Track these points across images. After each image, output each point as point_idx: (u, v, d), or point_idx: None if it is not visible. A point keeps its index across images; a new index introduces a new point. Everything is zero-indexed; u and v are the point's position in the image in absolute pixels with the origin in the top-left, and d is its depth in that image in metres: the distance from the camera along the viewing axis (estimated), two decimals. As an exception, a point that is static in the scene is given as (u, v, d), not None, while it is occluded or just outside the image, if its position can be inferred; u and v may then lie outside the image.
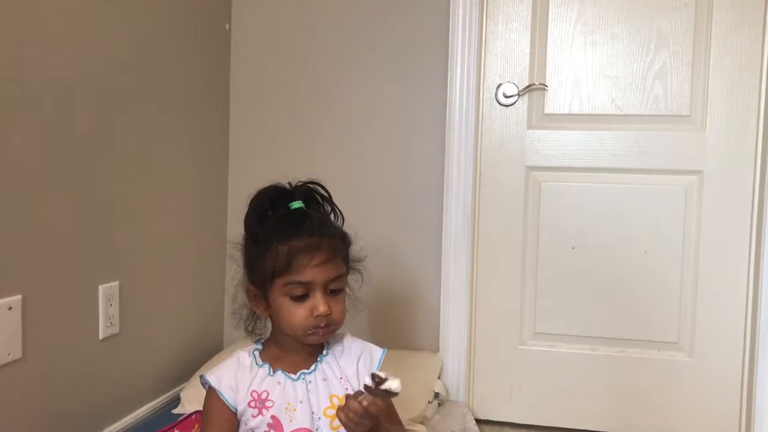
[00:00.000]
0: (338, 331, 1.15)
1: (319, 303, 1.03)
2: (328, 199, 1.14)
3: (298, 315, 1.04)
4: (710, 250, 1.82)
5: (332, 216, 1.14)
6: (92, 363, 1.48)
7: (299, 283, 1.03)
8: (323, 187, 1.14)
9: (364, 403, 0.95)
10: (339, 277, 1.06)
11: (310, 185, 1.13)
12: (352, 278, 1.13)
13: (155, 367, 1.73)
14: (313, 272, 1.03)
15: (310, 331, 1.04)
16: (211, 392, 1.07)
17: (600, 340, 1.89)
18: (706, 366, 1.83)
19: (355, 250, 1.13)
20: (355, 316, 1.16)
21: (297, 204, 1.09)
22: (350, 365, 1.11)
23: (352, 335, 1.17)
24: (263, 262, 1.05)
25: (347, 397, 1.00)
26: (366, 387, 0.95)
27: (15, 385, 1.26)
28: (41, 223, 1.32)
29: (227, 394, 1.05)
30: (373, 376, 0.94)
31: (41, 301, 1.32)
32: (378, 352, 1.15)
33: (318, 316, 1.03)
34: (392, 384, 0.94)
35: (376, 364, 1.14)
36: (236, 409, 1.05)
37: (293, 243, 1.03)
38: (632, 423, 1.87)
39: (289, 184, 1.12)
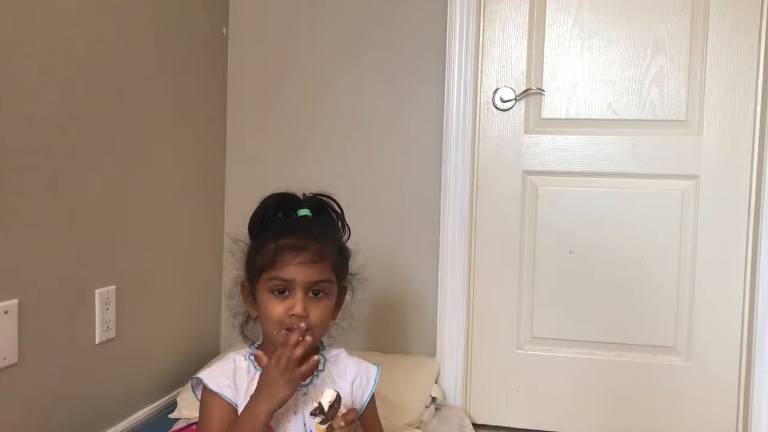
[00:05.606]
0: (336, 349, 1.15)
1: (296, 303, 1.03)
2: (338, 212, 1.16)
3: (275, 311, 1.04)
4: (707, 255, 1.82)
5: (342, 230, 1.15)
6: (88, 367, 1.48)
7: (281, 279, 1.04)
8: (335, 201, 1.15)
9: (342, 423, 0.97)
10: (322, 281, 1.06)
11: (321, 197, 1.14)
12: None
13: (152, 372, 1.72)
14: (294, 271, 1.04)
15: (284, 331, 1.03)
16: (209, 393, 1.06)
17: (597, 345, 1.89)
18: (703, 370, 1.83)
19: (353, 266, 1.15)
20: (348, 333, 1.17)
21: (304, 211, 1.11)
22: (345, 384, 1.12)
23: (348, 352, 1.18)
24: (255, 257, 1.08)
25: None
26: (325, 421, 0.98)
27: (10, 390, 1.26)
28: (38, 226, 1.32)
29: (227, 393, 1.05)
30: (313, 412, 0.98)
31: (37, 305, 1.31)
32: (373, 370, 1.16)
33: (293, 315, 1.03)
34: (325, 399, 0.97)
35: (371, 383, 1.15)
36: (236, 406, 1.05)
37: (282, 241, 1.05)
38: (629, 427, 1.87)
39: (304, 194, 1.14)
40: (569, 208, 1.89)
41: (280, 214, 1.12)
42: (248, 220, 1.13)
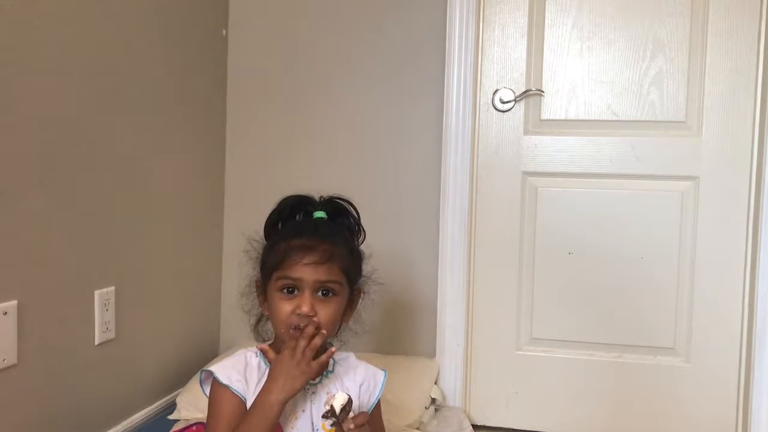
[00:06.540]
0: (345, 352, 1.16)
1: (304, 302, 1.05)
2: (353, 216, 1.17)
3: (283, 310, 1.06)
4: (706, 256, 1.82)
5: (357, 234, 1.17)
6: (88, 368, 1.47)
7: (289, 278, 1.06)
8: (351, 204, 1.17)
9: (351, 426, 0.99)
10: (330, 282, 1.07)
11: (337, 200, 1.16)
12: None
13: (151, 373, 1.72)
14: (302, 271, 1.05)
15: (291, 330, 1.04)
16: (219, 387, 1.06)
17: (597, 346, 1.89)
18: (703, 371, 1.83)
19: (367, 269, 1.16)
20: (361, 336, 1.18)
21: (319, 214, 1.13)
22: (353, 386, 1.13)
23: (357, 357, 1.19)
24: (267, 257, 1.10)
25: None
26: (336, 424, 1.00)
27: (10, 391, 1.26)
28: (37, 227, 1.31)
29: (238, 386, 1.06)
30: (325, 415, 0.99)
31: (37, 306, 1.31)
32: (381, 375, 1.17)
33: (300, 314, 1.04)
34: (337, 402, 0.99)
35: (378, 387, 1.16)
36: (246, 400, 1.05)
37: (293, 241, 1.07)
38: (628, 429, 1.87)
39: (321, 197, 1.16)
40: (569, 209, 1.89)
41: (296, 216, 1.14)
42: (264, 221, 1.16)
